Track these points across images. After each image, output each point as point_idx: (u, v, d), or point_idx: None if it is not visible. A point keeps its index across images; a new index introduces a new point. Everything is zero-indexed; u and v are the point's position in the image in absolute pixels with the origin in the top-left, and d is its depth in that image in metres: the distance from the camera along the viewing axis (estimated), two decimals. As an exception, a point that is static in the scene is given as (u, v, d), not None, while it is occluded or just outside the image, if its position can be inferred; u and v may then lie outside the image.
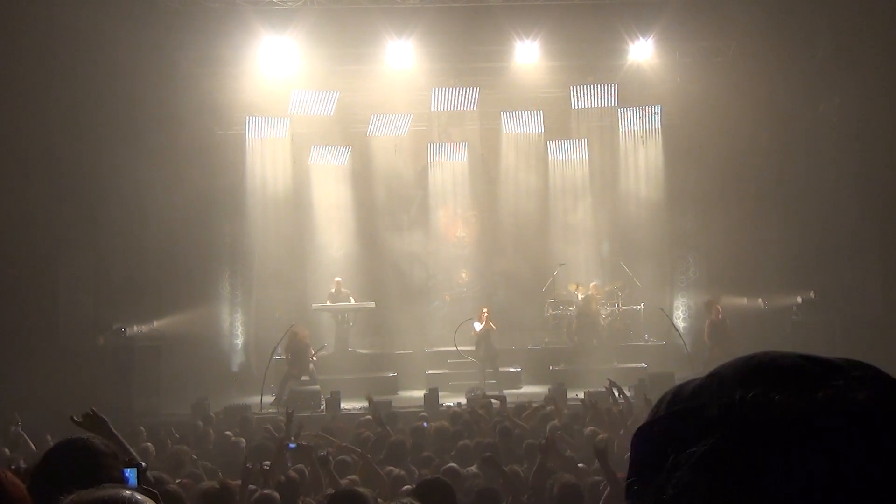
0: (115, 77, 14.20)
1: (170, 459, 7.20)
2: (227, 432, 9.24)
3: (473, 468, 5.99)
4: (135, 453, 3.66)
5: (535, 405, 9.81)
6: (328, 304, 15.84)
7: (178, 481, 5.37)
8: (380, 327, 16.56)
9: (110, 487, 1.34)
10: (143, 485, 2.78)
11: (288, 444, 6.66)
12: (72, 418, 3.75)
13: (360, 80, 16.48)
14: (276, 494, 4.77)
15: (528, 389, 14.27)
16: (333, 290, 15.90)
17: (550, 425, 8.14)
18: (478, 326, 15.16)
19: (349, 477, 5.79)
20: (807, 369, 0.63)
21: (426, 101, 17.03)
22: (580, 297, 16.25)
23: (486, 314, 15.18)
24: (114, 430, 3.65)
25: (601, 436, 7.32)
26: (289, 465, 6.30)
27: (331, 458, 6.01)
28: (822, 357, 0.65)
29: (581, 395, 11.40)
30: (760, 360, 0.66)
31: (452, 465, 5.86)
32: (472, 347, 15.27)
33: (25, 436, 8.69)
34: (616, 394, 9.65)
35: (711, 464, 0.60)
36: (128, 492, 1.29)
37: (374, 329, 16.60)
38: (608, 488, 4.97)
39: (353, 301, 15.93)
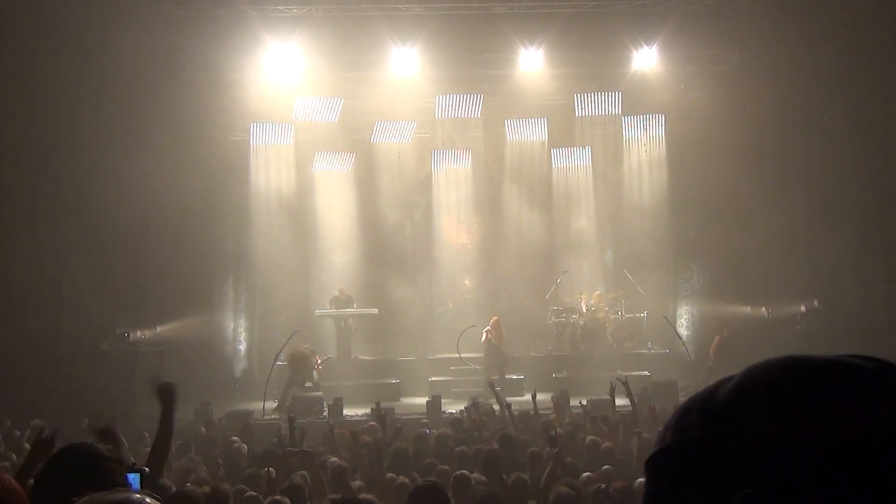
0: (120, 83, 14.26)
1: (179, 469, 7.18)
2: (234, 438, 9.22)
3: (477, 474, 5.97)
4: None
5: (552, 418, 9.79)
6: (331, 310, 15.85)
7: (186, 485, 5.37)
8: (383, 334, 16.55)
9: (122, 490, 1.35)
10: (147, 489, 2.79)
11: (291, 450, 6.66)
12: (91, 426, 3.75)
13: (364, 86, 16.52)
14: (287, 501, 4.79)
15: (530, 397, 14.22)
16: (337, 294, 15.95)
17: (552, 432, 8.11)
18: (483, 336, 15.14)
19: (354, 484, 5.77)
20: (847, 364, 0.65)
21: (430, 109, 17.08)
22: (584, 305, 16.24)
23: (487, 328, 15.11)
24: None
25: (605, 444, 7.30)
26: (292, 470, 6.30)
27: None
28: (839, 356, 0.66)
29: (584, 402, 11.37)
30: (789, 365, 0.66)
31: (464, 471, 5.81)
32: (477, 354, 15.26)
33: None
34: (616, 401, 9.60)
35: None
36: (138, 495, 1.30)
37: (377, 335, 16.59)
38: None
39: (355, 307, 15.95)
